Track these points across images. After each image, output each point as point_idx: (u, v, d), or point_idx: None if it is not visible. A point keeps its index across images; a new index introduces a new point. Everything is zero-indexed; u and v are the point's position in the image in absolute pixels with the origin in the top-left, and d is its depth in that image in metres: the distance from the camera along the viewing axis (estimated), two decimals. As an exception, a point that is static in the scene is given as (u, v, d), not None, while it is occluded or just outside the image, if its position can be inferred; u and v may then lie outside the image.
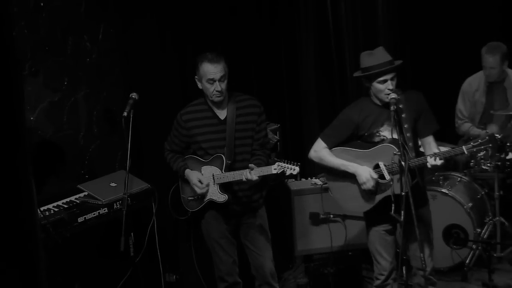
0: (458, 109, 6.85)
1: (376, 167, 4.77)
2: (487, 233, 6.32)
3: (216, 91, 4.86)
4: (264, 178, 4.89)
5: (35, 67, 5.51)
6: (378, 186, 4.78)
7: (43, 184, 5.38)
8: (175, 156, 5.15)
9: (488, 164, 6.33)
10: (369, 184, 4.72)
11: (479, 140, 4.59)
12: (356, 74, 4.93)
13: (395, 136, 4.61)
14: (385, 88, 4.70)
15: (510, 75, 6.67)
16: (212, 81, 4.85)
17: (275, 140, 6.32)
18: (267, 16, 6.98)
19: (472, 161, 6.49)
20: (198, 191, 4.96)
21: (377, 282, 5.00)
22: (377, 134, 4.81)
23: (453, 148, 6.75)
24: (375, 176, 4.73)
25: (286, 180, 6.33)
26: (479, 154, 6.38)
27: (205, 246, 5.22)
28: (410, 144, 4.70)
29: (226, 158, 4.92)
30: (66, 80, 5.75)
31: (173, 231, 5.91)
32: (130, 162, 4.85)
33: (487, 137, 4.59)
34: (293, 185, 6.32)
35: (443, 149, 6.54)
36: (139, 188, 5.49)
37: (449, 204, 6.16)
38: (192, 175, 5.00)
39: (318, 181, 6.32)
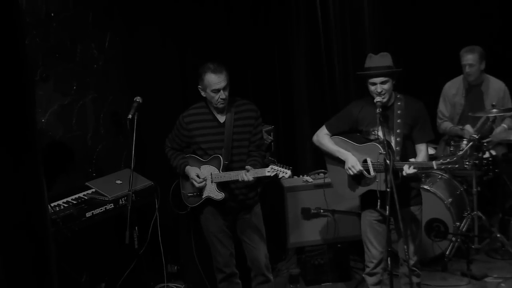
0: (439, 110, 6.87)
1: (364, 162, 4.80)
2: (465, 226, 6.32)
3: (221, 99, 4.87)
4: (258, 178, 4.91)
5: (46, 73, 5.51)
6: (363, 179, 4.82)
7: (53, 181, 5.39)
8: (175, 153, 5.15)
9: (467, 162, 6.34)
10: (353, 170, 4.77)
11: (448, 159, 4.61)
12: (358, 72, 4.95)
13: (383, 136, 4.63)
14: (374, 90, 4.73)
15: (487, 80, 6.69)
16: (217, 91, 4.85)
17: (269, 141, 6.32)
18: (262, 23, 6.97)
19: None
20: (196, 185, 4.97)
21: (367, 270, 5.00)
22: (373, 133, 4.83)
23: (435, 147, 6.84)
24: (360, 168, 4.77)
25: (283, 178, 6.33)
26: (458, 153, 6.40)
27: (204, 240, 5.22)
28: (398, 148, 4.71)
29: (224, 159, 4.93)
30: (75, 85, 5.75)
31: (175, 225, 5.91)
32: (135, 161, 4.86)
33: (456, 159, 4.62)
34: (286, 182, 6.31)
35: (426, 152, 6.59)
36: (143, 185, 5.50)
37: (431, 200, 6.15)
38: (191, 170, 5.01)
39: (309, 179, 6.32)
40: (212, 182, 4.96)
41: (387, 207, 4.43)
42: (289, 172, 4.73)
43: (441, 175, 6.47)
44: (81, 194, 5.37)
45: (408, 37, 7.73)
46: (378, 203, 4.65)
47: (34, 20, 5.39)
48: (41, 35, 5.44)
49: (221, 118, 4.99)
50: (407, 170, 4.58)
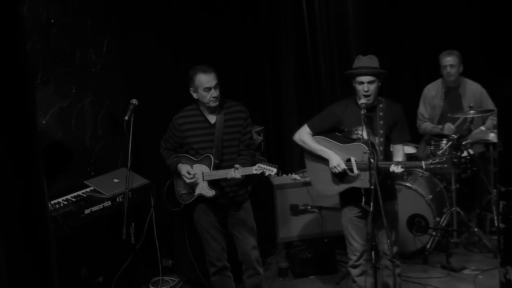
0: (419, 112, 6.88)
1: (348, 160, 4.80)
2: (445, 221, 6.34)
3: (213, 97, 4.86)
4: (248, 176, 4.91)
5: (46, 77, 5.50)
6: (346, 177, 4.82)
7: (53, 180, 5.37)
8: (169, 152, 5.15)
9: (454, 160, 6.36)
10: (338, 169, 4.78)
11: (437, 160, 4.62)
12: (346, 72, 4.94)
13: (366, 136, 4.64)
14: (361, 90, 4.72)
15: (464, 82, 6.72)
16: (208, 89, 4.85)
17: (259, 141, 6.33)
18: (251, 26, 6.97)
19: (431, 158, 6.51)
20: (187, 181, 4.96)
21: (350, 262, 5.01)
22: (355, 132, 4.83)
23: (416, 146, 6.85)
24: (344, 166, 4.77)
25: (269, 175, 6.34)
26: (438, 152, 6.42)
27: (197, 235, 5.21)
28: (381, 148, 4.72)
29: (214, 158, 4.92)
30: (74, 88, 5.74)
31: (169, 222, 5.90)
32: (131, 161, 4.85)
33: (444, 159, 4.64)
34: (275, 180, 6.32)
35: (409, 148, 6.62)
36: (139, 184, 5.50)
37: (412, 196, 6.18)
38: (182, 167, 5.00)
39: (297, 177, 6.33)
40: (203, 180, 4.96)
41: (371, 203, 4.45)
42: (274, 170, 4.73)
43: (422, 173, 6.49)
44: (80, 192, 5.37)
45: (390, 41, 7.75)
46: (363, 200, 4.65)
47: (35, 26, 5.38)
48: (41, 40, 5.43)
49: (212, 119, 4.99)
50: (396, 169, 4.60)
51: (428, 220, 6.15)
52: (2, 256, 2.43)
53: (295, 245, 6.24)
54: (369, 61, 4.79)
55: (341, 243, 5.15)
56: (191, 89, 4.94)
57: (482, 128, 6.55)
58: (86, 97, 5.85)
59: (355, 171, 4.76)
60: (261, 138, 6.44)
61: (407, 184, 6.17)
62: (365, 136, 4.67)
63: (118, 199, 5.34)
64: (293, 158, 7.10)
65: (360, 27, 7.68)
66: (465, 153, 6.39)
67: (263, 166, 4.74)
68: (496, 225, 6.29)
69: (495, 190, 6.32)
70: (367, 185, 4.63)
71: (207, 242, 5.13)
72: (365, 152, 4.63)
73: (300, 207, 6.22)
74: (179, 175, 5.04)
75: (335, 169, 4.79)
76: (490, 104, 6.60)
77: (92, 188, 5.44)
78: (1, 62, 2.38)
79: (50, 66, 5.52)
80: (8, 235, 2.46)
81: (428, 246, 6.22)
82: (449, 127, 6.49)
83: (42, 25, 5.44)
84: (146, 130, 5.76)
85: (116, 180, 5.52)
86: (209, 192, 4.95)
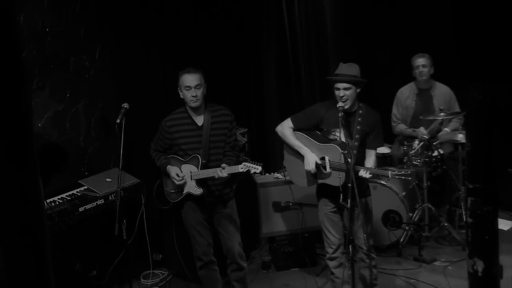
0: (393, 114, 6.90)
1: (322, 159, 4.82)
2: (417, 216, 6.38)
3: (192, 96, 4.87)
4: (233, 175, 4.91)
5: (42, 82, 5.47)
6: (319, 174, 4.84)
7: (49, 180, 5.34)
8: (158, 154, 5.14)
9: (418, 160, 6.40)
10: (310, 168, 4.80)
11: (403, 172, 4.64)
12: (326, 77, 4.95)
13: (343, 138, 4.66)
14: (338, 94, 4.74)
15: (435, 85, 6.75)
16: (188, 88, 4.87)
17: (244, 142, 6.33)
18: (237, 37, 6.97)
19: (405, 157, 6.55)
20: (176, 182, 4.96)
21: (328, 255, 5.02)
22: (333, 133, 4.84)
23: (390, 147, 6.87)
24: (319, 162, 4.79)
25: (253, 174, 6.33)
26: (410, 152, 6.45)
27: (185, 231, 5.20)
28: (354, 151, 4.72)
29: (202, 158, 4.92)
30: (68, 92, 5.71)
31: (159, 218, 5.88)
32: (123, 161, 4.82)
33: (409, 172, 4.66)
34: (259, 178, 6.32)
35: (383, 148, 6.64)
36: (130, 183, 5.48)
37: (387, 193, 6.21)
38: (172, 170, 5.00)
39: (279, 176, 6.33)
40: (191, 179, 4.95)
41: (348, 200, 4.46)
42: (259, 168, 4.74)
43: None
44: (74, 191, 5.34)
45: (366, 47, 7.78)
46: (341, 197, 4.67)
47: (31, 34, 5.36)
48: (37, 47, 5.40)
49: (199, 122, 4.99)
50: (364, 174, 4.61)
51: (402, 216, 6.17)
52: (0, 251, 2.42)
53: (278, 240, 6.24)
54: (348, 68, 4.80)
55: (320, 237, 5.15)
56: (178, 88, 4.96)
57: (447, 129, 6.60)
58: (80, 102, 5.83)
59: (328, 169, 4.79)
60: (245, 139, 6.44)
61: (382, 182, 6.19)
62: (342, 138, 4.69)
63: (110, 198, 5.32)
64: (275, 158, 7.10)
65: (337, 34, 7.70)
66: (435, 153, 6.44)
67: (248, 164, 4.75)
68: (464, 219, 6.32)
69: (463, 187, 6.37)
70: (337, 183, 4.68)
71: (194, 238, 5.12)
72: (342, 152, 4.64)
73: (282, 204, 6.22)
74: (168, 175, 5.04)
75: (307, 167, 4.83)
76: (457, 107, 6.66)
77: (86, 187, 5.41)
78: (-1, 69, 2.38)
79: (45, 72, 5.49)
80: (6, 232, 2.45)
81: (401, 240, 6.25)
82: (421, 132, 6.51)
83: (37, 33, 5.41)
84: (136, 132, 5.74)
85: (108, 180, 5.49)
86: (197, 191, 4.95)
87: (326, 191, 4.88)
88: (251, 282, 5.44)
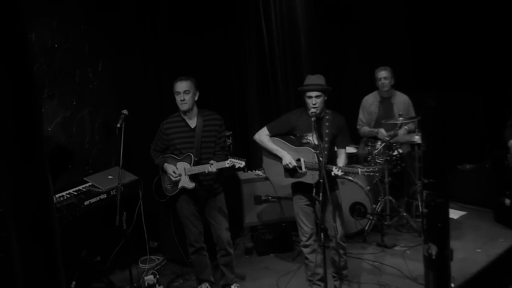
0: (359, 118, 6.92)
1: (298, 160, 4.82)
2: (380, 207, 6.39)
3: (180, 100, 4.88)
4: (221, 171, 4.90)
5: (51, 92, 5.45)
6: (295, 173, 4.84)
7: (58, 177, 5.32)
8: (157, 153, 5.12)
9: (381, 159, 6.43)
10: (290, 166, 4.79)
11: (372, 168, 4.65)
12: (298, 88, 4.95)
13: (315, 141, 4.66)
14: (310, 102, 4.73)
15: (395, 94, 6.79)
16: (178, 93, 4.89)
17: (229, 143, 6.33)
18: (221, 49, 6.95)
19: (369, 156, 6.59)
20: (173, 179, 4.96)
21: (302, 243, 5.02)
22: (305, 137, 4.83)
23: (356, 147, 6.89)
24: (295, 164, 4.79)
25: (237, 172, 6.33)
26: (374, 152, 6.49)
27: (179, 221, 5.19)
28: (326, 152, 4.73)
29: (194, 156, 4.92)
30: (74, 101, 5.69)
31: (154, 211, 5.86)
32: (122, 161, 4.80)
33: (377, 169, 4.67)
34: (242, 175, 6.33)
35: (350, 148, 6.65)
36: (129, 180, 5.46)
37: (354, 188, 6.22)
38: (169, 167, 4.99)
39: (260, 173, 6.33)
40: (185, 174, 4.95)
41: (321, 194, 4.47)
42: (243, 163, 4.73)
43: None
44: (80, 187, 5.32)
45: (335, 60, 7.81)
46: (314, 191, 4.67)
47: (41, 50, 5.34)
48: (47, 61, 5.38)
49: (192, 124, 4.98)
50: (336, 172, 4.61)
51: (366, 207, 6.20)
52: (15, 240, 2.42)
53: (259, 229, 6.25)
54: (316, 79, 4.81)
55: (296, 227, 5.16)
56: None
57: (406, 127, 6.64)
58: (85, 109, 5.80)
59: (303, 169, 4.79)
60: (230, 141, 6.44)
61: (350, 178, 6.21)
62: (315, 140, 4.70)
63: (112, 192, 5.30)
64: (256, 158, 7.09)
65: (310, 50, 7.74)
66: (395, 152, 6.47)
67: (233, 160, 4.75)
68: (420, 210, 6.42)
69: (419, 182, 6.42)
70: (312, 181, 4.68)
71: (187, 227, 5.11)
72: (315, 153, 4.65)
73: (263, 198, 6.23)
74: (165, 172, 5.03)
75: (288, 166, 4.81)
76: (413, 112, 6.70)
77: (90, 183, 5.39)
78: (14, 81, 2.38)
79: (54, 83, 5.47)
80: (20, 223, 2.45)
81: (366, 228, 6.27)
82: (382, 132, 6.56)
83: (47, 49, 5.39)
84: (135, 135, 5.71)
85: (110, 177, 5.47)
86: (190, 184, 4.94)
87: (300, 187, 4.88)
88: (235, 265, 5.43)
